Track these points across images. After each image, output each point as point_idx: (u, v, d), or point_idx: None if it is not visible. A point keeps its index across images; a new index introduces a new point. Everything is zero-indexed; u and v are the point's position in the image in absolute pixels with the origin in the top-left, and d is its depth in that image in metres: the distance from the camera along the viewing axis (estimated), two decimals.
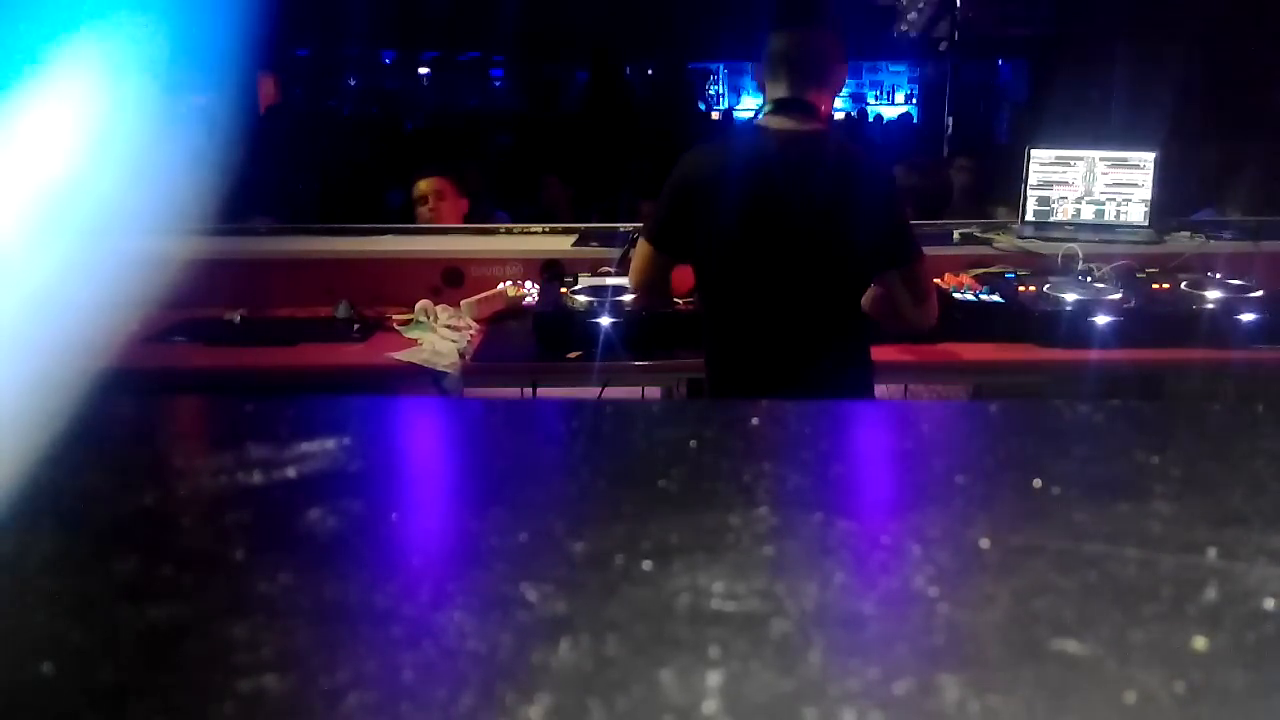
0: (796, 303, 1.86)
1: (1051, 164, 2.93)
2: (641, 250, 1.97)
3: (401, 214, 3.36)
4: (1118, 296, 2.32)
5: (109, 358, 0.52)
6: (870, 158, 1.93)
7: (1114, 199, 2.90)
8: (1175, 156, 3.35)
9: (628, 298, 2.26)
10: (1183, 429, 0.51)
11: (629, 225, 2.85)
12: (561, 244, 2.82)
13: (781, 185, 1.83)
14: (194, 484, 0.44)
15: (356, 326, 2.45)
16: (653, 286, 2.01)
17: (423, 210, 3.20)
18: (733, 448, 0.48)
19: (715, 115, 10.11)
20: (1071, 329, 2.25)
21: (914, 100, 10.61)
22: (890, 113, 10.25)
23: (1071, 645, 0.31)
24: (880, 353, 2.06)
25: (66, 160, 0.59)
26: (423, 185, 3.21)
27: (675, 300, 2.25)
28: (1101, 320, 2.25)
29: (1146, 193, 2.87)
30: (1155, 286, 2.45)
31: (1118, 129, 5.22)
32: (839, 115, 8.65)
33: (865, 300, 1.92)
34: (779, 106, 1.87)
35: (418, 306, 2.48)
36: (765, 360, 1.90)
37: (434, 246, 2.86)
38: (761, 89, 1.95)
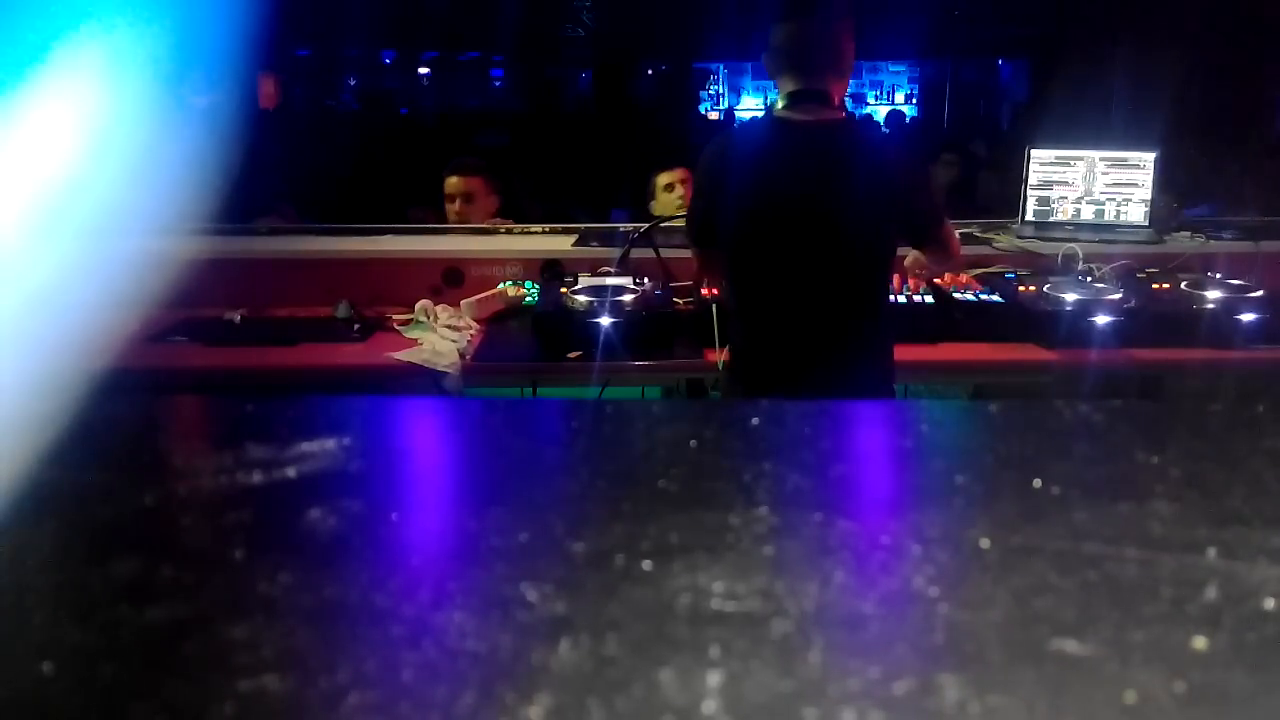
0: (820, 289, 1.87)
1: (1051, 164, 2.93)
2: (692, 249, 2.10)
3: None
4: (1118, 296, 2.32)
5: (109, 358, 0.52)
6: (893, 143, 1.94)
7: (1114, 199, 2.89)
8: (1177, 155, 3.35)
9: (628, 298, 2.26)
10: (1183, 429, 0.51)
11: (629, 225, 2.85)
12: (561, 244, 2.82)
13: (800, 175, 1.83)
14: (194, 484, 0.44)
15: (356, 326, 2.45)
16: (714, 277, 2.19)
17: (451, 208, 3.17)
18: (733, 448, 0.48)
19: (715, 115, 10.12)
20: (1071, 329, 2.25)
21: (914, 100, 10.61)
22: (884, 111, 10.24)
23: (1071, 645, 0.31)
24: None
25: (67, 160, 0.59)
26: (454, 182, 3.17)
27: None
28: (1101, 320, 2.25)
29: (1146, 193, 2.87)
30: (1155, 286, 2.45)
31: (1118, 129, 5.22)
32: None
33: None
34: (795, 98, 1.85)
35: (418, 306, 2.48)
36: (790, 347, 1.92)
37: (434, 246, 2.86)
38: (772, 80, 1.93)
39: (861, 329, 1.92)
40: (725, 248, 1.95)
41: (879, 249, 1.90)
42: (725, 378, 2.08)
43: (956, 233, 2.11)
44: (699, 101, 9.96)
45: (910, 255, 2.31)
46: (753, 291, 1.94)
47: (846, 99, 2.00)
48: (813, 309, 1.88)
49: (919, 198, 1.93)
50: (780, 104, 1.88)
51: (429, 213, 3.18)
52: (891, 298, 2.30)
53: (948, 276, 2.55)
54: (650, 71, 8.89)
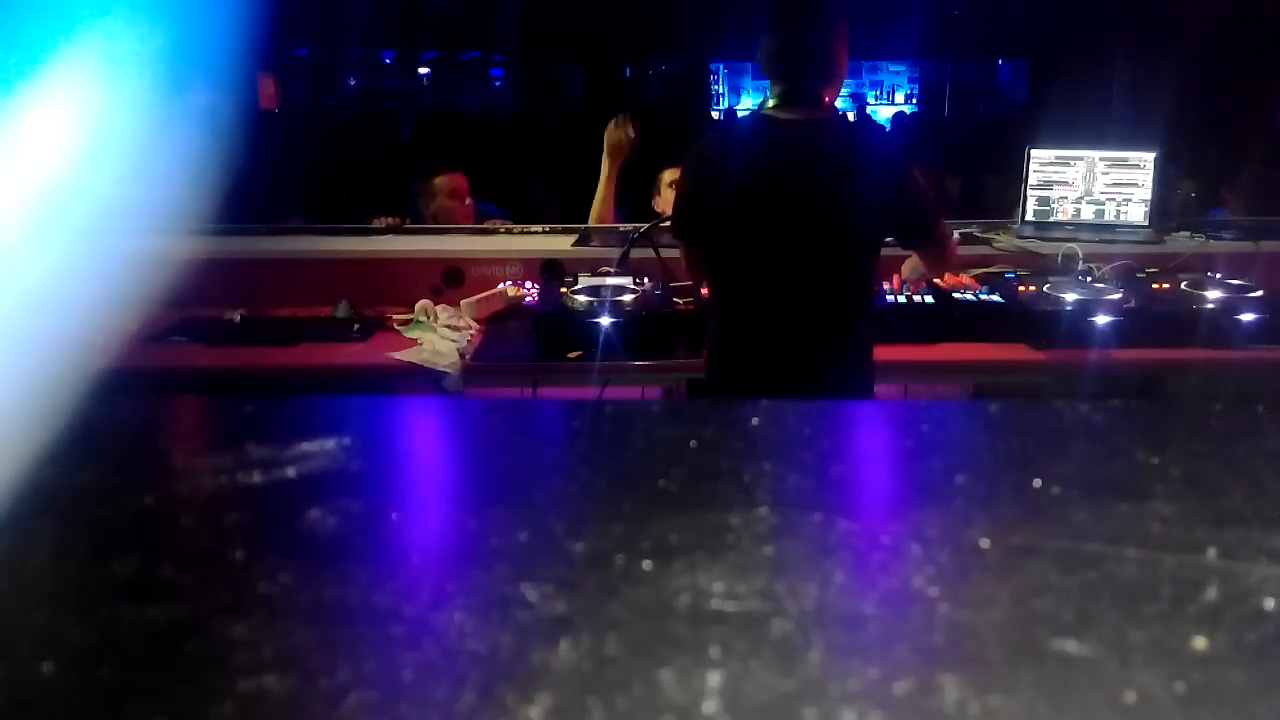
0: (802, 287, 1.87)
1: (1051, 164, 2.93)
2: (680, 245, 2.08)
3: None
4: (1118, 296, 2.32)
5: (109, 358, 0.52)
6: (876, 140, 1.93)
7: (1114, 199, 2.89)
8: (1183, 157, 3.35)
9: (628, 297, 2.26)
10: (1183, 429, 0.51)
11: (628, 225, 2.85)
12: (561, 244, 2.82)
13: (786, 171, 1.83)
14: (194, 484, 0.44)
15: (356, 326, 2.45)
16: (701, 276, 2.14)
17: (438, 202, 3.16)
18: (733, 448, 0.48)
19: (715, 114, 10.12)
20: (1071, 329, 2.25)
21: (914, 100, 10.60)
22: (887, 112, 10.21)
23: (1071, 645, 0.31)
24: (880, 353, 2.06)
25: (66, 159, 0.59)
26: (440, 181, 3.18)
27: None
28: (1101, 320, 2.25)
29: (1146, 193, 2.87)
30: (1155, 286, 2.45)
31: (1118, 129, 5.22)
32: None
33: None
34: (785, 98, 1.86)
35: (418, 306, 2.48)
36: (769, 346, 1.90)
37: (434, 246, 2.85)
38: (765, 81, 1.94)
39: (842, 330, 1.90)
40: (707, 243, 1.94)
41: (862, 247, 1.88)
42: (705, 379, 2.07)
43: (956, 234, 2.10)
44: (710, 100, 9.94)
45: (906, 263, 2.29)
46: (732, 288, 1.93)
47: (842, 99, 2.00)
48: (793, 307, 1.87)
49: (908, 194, 1.89)
50: (770, 103, 1.89)
51: (396, 220, 3.15)
52: (881, 297, 2.31)
53: (948, 277, 2.55)
54: (650, 71, 8.90)
